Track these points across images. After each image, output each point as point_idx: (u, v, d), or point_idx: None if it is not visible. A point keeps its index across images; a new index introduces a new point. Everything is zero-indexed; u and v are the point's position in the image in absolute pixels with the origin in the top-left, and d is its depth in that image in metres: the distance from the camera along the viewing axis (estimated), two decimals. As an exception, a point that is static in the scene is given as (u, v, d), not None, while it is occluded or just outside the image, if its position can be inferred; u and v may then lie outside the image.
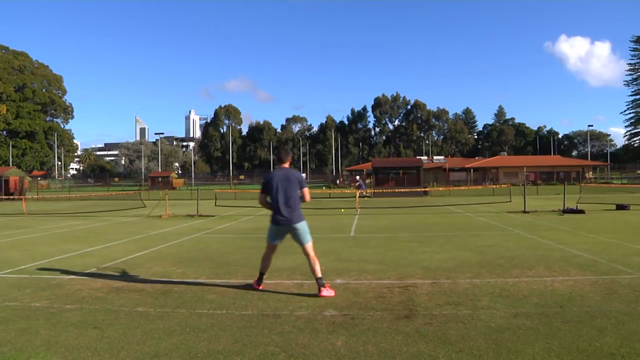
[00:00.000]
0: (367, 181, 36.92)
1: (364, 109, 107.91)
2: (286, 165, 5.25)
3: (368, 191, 28.96)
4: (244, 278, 5.96)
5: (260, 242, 9.50)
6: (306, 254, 5.11)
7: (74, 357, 3.33)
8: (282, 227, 5.07)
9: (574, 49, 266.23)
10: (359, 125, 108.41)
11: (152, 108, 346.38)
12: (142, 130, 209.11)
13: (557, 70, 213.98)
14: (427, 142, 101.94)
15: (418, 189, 30.11)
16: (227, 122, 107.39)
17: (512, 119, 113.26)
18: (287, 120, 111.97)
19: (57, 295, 5.17)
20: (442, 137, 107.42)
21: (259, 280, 5.34)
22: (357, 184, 29.31)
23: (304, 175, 5.43)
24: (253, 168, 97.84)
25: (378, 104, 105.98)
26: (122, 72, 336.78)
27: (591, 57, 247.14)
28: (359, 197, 22.10)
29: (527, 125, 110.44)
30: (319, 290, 4.95)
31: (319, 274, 4.99)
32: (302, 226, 5.08)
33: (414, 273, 6.09)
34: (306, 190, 5.19)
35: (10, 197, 30.26)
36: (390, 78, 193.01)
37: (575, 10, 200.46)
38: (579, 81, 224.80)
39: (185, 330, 3.90)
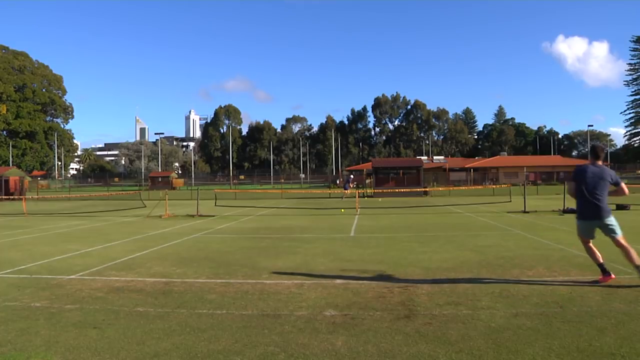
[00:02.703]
0: (367, 181, 36.88)
1: (364, 109, 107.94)
2: (600, 162, 5.29)
3: (347, 192, 28.52)
4: (244, 278, 5.96)
5: (260, 242, 9.54)
6: (618, 245, 5.17)
7: (74, 357, 3.33)
8: (589, 222, 5.20)
9: (571, 49, 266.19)
10: (359, 125, 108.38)
11: (152, 108, 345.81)
12: (142, 130, 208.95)
13: (555, 70, 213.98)
14: (427, 142, 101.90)
15: (418, 189, 30.12)
16: (227, 122, 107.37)
17: (512, 119, 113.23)
18: (287, 120, 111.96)
19: (57, 295, 5.17)
20: (442, 137, 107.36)
21: (604, 272, 5.27)
22: (348, 182, 29.12)
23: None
24: (253, 168, 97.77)
25: (378, 104, 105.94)
26: (122, 72, 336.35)
27: (589, 57, 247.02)
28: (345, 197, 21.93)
29: (527, 125, 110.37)
30: None
31: (638, 262, 4.99)
32: (612, 221, 5.19)
33: (414, 273, 6.09)
34: (623, 186, 5.27)
35: (10, 197, 30.26)
36: (390, 78, 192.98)
37: (573, 10, 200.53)
38: (577, 81, 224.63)
39: (185, 330, 3.90)
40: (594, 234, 5.29)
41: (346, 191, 28.26)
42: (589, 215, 5.18)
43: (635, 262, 4.97)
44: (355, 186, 28.26)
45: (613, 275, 5.23)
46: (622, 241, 5.14)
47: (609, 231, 5.17)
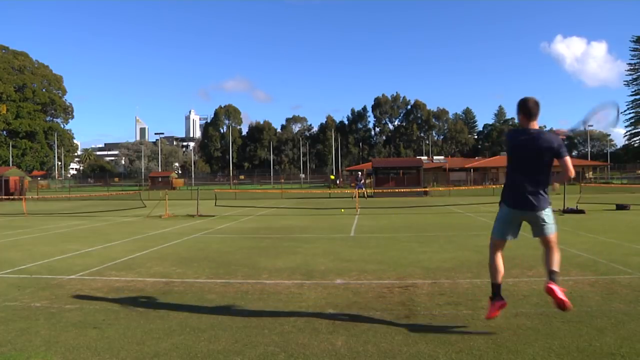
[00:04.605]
0: (367, 181, 36.86)
1: (364, 109, 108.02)
2: (533, 124, 3.69)
3: (366, 191, 28.99)
4: (244, 278, 5.96)
5: (260, 242, 9.54)
6: (546, 244, 3.95)
7: (74, 357, 3.33)
8: (518, 212, 3.84)
9: (570, 49, 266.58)
10: (359, 125, 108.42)
11: (152, 108, 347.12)
12: (142, 130, 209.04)
13: (554, 70, 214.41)
14: (427, 142, 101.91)
15: (418, 189, 30.10)
16: (227, 122, 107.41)
17: (512, 119, 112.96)
18: (287, 120, 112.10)
19: (57, 295, 5.17)
20: (442, 137, 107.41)
21: (496, 297, 3.83)
22: (360, 182, 29.18)
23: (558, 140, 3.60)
24: (253, 168, 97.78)
25: (378, 104, 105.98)
26: (122, 72, 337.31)
27: (587, 57, 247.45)
28: (359, 196, 22.13)
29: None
30: (549, 283, 3.72)
31: (557, 267, 3.85)
32: (548, 213, 3.82)
33: (414, 273, 6.09)
34: (568, 162, 3.63)
35: (10, 197, 30.26)
36: (390, 78, 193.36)
37: (571, 10, 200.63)
38: (576, 81, 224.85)
39: (185, 330, 3.90)
40: (514, 232, 4.02)
41: (363, 190, 28.21)
42: (524, 203, 3.78)
43: (552, 265, 3.90)
44: (357, 185, 28.18)
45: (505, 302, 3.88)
46: (554, 240, 3.97)
47: (541, 227, 3.85)
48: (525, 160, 3.71)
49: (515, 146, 3.78)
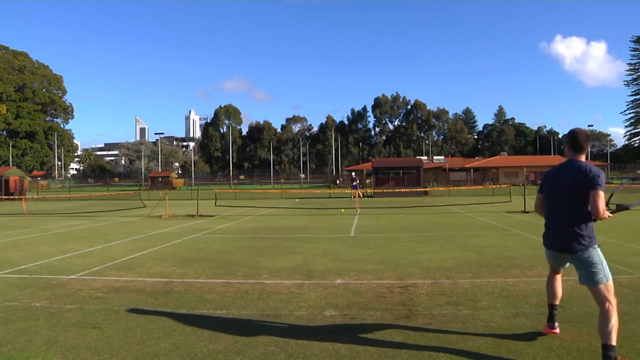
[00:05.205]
0: (367, 181, 36.87)
1: (364, 109, 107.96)
2: (580, 157, 3.37)
3: (362, 192, 29.07)
4: (244, 278, 5.97)
5: (260, 242, 9.54)
6: (594, 298, 3.22)
7: (74, 357, 3.33)
8: (554, 252, 3.49)
9: (570, 49, 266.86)
10: (359, 125, 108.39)
11: (152, 108, 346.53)
12: (142, 130, 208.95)
13: (554, 70, 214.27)
14: (427, 142, 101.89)
15: (418, 189, 30.11)
16: (227, 122, 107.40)
17: (512, 119, 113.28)
18: (287, 120, 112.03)
19: (57, 295, 5.17)
20: (442, 137, 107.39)
21: (550, 319, 3.75)
22: (354, 183, 29.24)
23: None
24: (253, 168, 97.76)
25: (378, 104, 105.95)
26: (122, 72, 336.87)
27: (587, 57, 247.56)
28: (358, 197, 22.17)
29: (527, 125, 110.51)
30: None
31: (611, 340, 3.00)
32: (590, 256, 3.21)
33: (414, 273, 6.09)
34: (597, 196, 3.11)
35: (10, 197, 30.26)
36: (390, 78, 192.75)
37: (571, 10, 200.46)
38: (576, 81, 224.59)
39: (185, 330, 3.90)
40: (560, 266, 3.64)
41: (358, 191, 28.32)
42: (554, 243, 3.44)
43: (605, 338, 3.04)
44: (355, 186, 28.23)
45: (557, 330, 3.71)
46: (606, 294, 3.13)
47: (583, 273, 3.26)
48: (556, 194, 3.40)
49: (547, 178, 3.53)
